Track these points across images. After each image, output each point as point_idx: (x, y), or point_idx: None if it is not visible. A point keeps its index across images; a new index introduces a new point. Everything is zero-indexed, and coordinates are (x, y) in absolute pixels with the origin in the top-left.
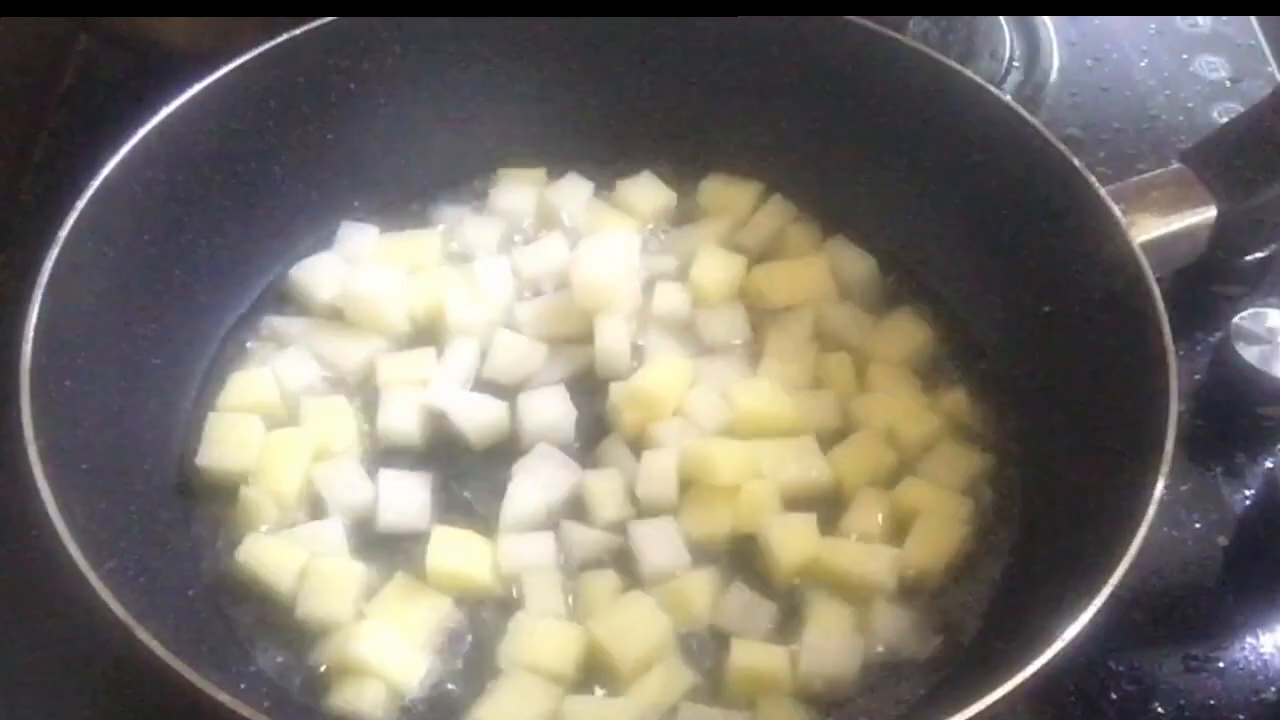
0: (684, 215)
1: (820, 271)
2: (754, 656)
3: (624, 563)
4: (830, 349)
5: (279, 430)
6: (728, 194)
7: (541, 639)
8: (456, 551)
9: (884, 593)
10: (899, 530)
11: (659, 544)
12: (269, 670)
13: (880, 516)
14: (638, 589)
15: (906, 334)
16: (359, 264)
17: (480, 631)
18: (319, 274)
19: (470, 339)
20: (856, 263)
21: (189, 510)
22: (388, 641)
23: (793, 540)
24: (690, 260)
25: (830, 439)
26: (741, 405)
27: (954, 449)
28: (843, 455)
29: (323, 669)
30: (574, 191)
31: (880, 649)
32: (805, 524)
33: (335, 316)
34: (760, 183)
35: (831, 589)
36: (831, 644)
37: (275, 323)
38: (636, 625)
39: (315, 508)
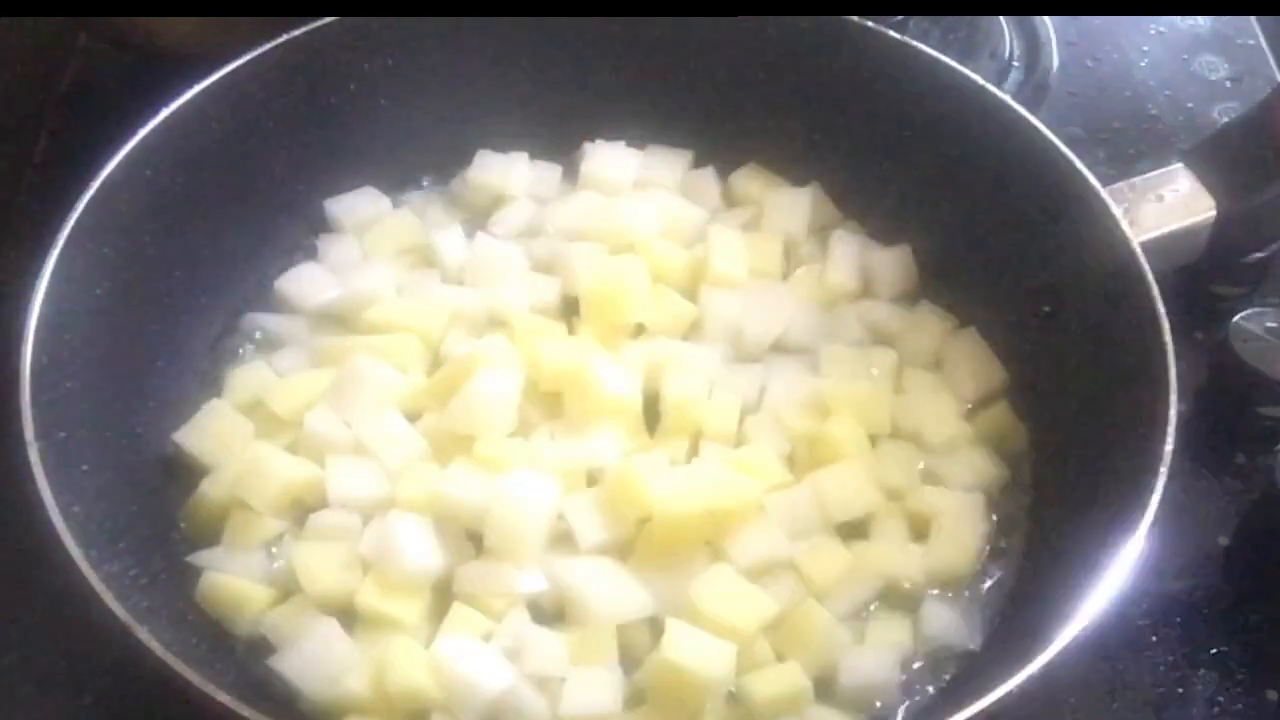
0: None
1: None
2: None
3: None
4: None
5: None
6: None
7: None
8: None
9: (920, 594)
10: (919, 534)
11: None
12: (269, 671)
13: (903, 521)
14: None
15: (933, 329)
16: (345, 269)
17: None
18: (304, 284)
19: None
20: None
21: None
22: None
23: (822, 556)
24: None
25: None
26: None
27: (969, 450)
28: (877, 463)
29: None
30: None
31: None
32: (829, 540)
33: (329, 319)
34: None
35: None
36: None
37: (274, 322)
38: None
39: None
